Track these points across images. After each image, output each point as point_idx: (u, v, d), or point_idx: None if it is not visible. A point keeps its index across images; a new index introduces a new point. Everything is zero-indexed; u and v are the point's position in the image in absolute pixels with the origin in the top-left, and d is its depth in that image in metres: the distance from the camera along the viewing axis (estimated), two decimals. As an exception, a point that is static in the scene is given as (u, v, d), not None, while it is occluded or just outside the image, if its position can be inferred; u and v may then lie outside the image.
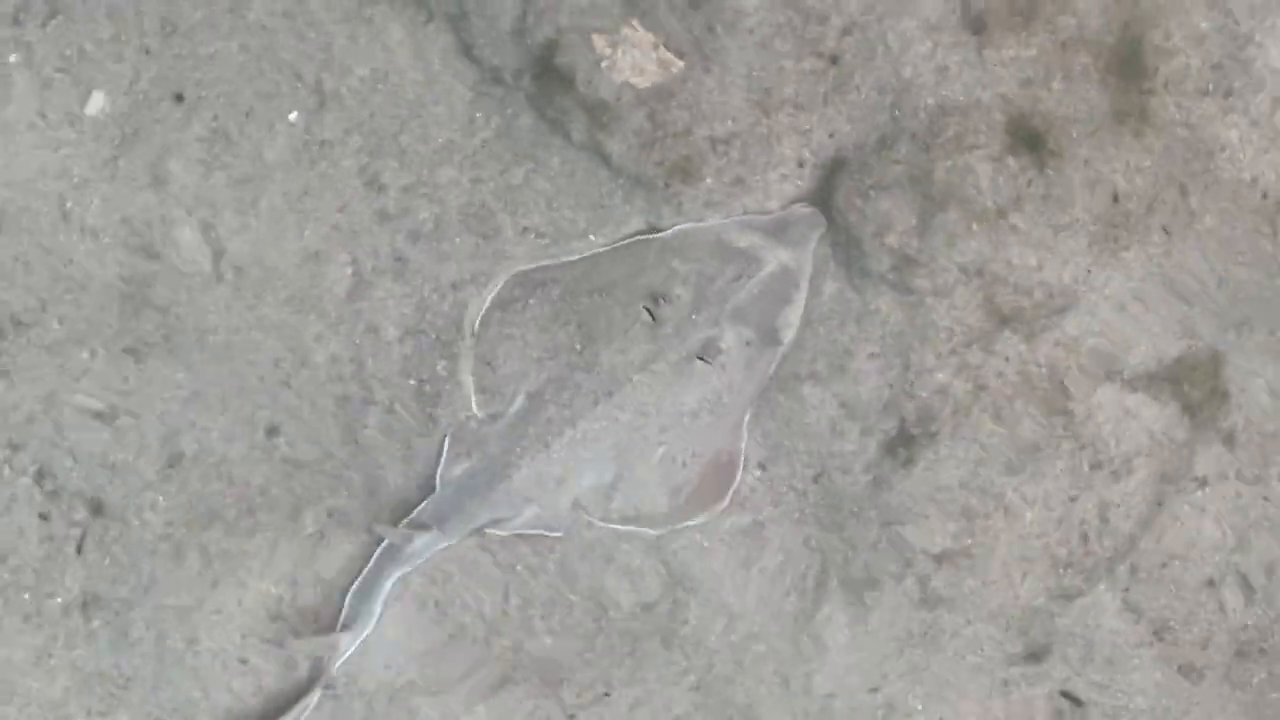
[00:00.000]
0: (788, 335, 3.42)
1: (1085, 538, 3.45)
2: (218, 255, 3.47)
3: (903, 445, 3.44)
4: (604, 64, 3.36)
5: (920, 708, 3.54)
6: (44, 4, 3.46)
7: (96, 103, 3.47)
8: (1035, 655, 3.53)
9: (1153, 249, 3.46)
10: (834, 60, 3.42)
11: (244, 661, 3.46)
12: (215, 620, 3.45)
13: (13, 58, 3.46)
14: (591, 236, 3.49)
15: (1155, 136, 3.43)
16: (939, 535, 3.43)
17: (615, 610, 3.51)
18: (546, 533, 3.49)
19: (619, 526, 3.47)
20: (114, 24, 3.46)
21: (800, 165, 3.44)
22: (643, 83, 3.36)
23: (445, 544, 3.44)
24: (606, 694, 3.50)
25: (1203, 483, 3.52)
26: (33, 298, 3.43)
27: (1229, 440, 3.52)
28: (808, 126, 3.43)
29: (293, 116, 3.48)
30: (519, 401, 3.45)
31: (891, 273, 3.40)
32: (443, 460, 3.48)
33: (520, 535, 3.49)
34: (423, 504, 3.44)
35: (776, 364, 3.44)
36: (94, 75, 3.45)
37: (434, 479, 3.47)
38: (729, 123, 3.40)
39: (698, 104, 3.38)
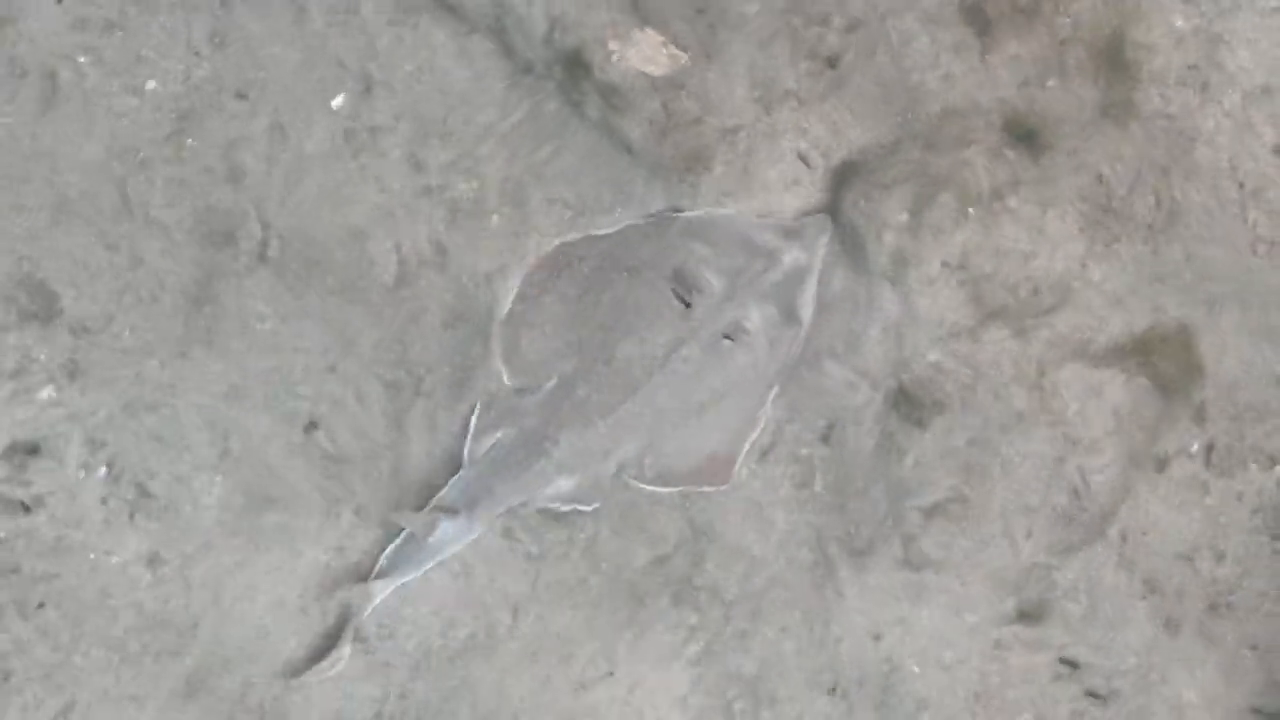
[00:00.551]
0: (806, 316, 3.61)
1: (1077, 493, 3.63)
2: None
3: (908, 405, 3.64)
4: (616, 58, 3.61)
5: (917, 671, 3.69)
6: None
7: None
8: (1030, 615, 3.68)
9: (1139, 242, 3.65)
10: (832, 63, 3.66)
11: (304, 611, 3.56)
12: (273, 574, 3.55)
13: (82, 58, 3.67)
14: (619, 210, 3.67)
15: (1139, 127, 3.63)
16: (940, 489, 3.62)
17: (630, 568, 3.63)
18: (581, 507, 3.56)
19: (656, 488, 3.58)
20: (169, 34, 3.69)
21: (802, 159, 3.68)
22: (655, 71, 3.62)
23: (475, 534, 3.47)
24: (610, 673, 3.62)
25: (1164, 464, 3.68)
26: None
27: (1199, 415, 3.67)
28: (807, 125, 3.66)
29: (336, 102, 3.67)
30: (553, 380, 3.56)
31: (890, 267, 3.64)
32: (470, 434, 3.54)
33: (545, 512, 3.55)
34: (447, 485, 3.47)
35: (800, 344, 3.62)
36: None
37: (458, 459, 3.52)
38: (735, 116, 3.63)
39: (705, 96, 3.62)
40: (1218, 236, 3.65)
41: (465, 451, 3.53)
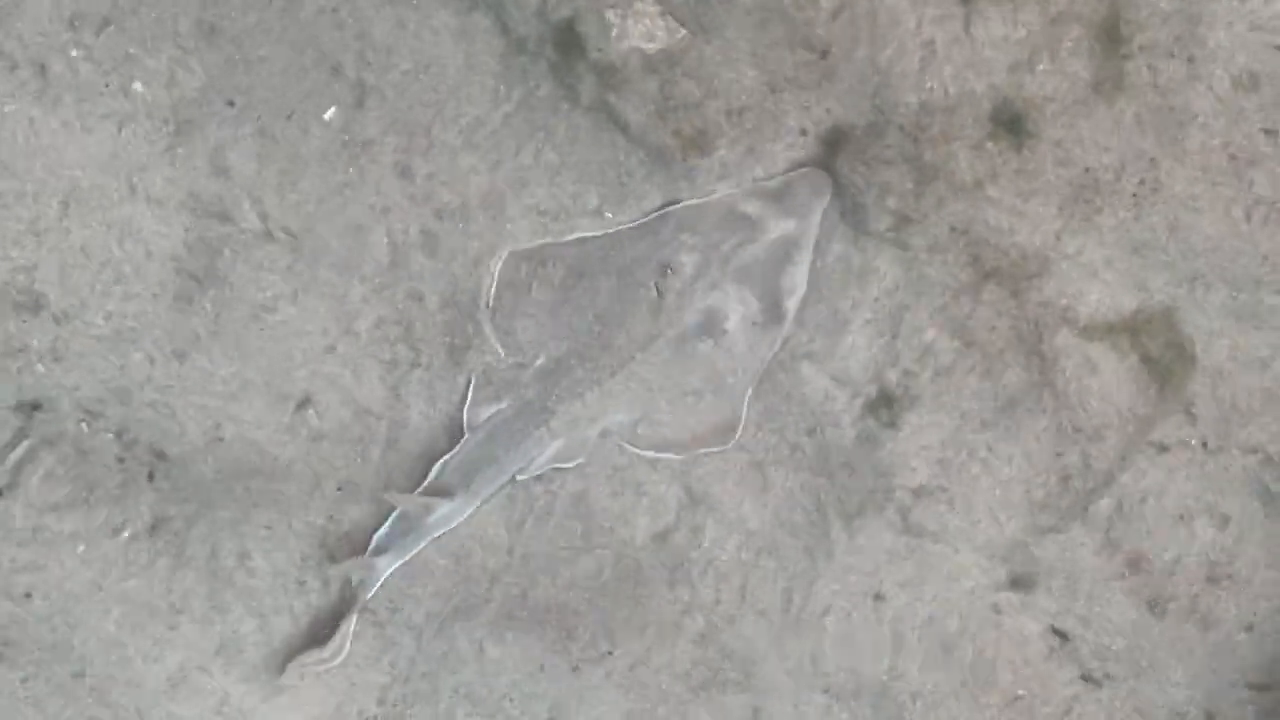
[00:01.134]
0: (792, 304, 3.56)
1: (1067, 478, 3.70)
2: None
3: (886, 406, 3.67)
4: (614, 32, 3.58)
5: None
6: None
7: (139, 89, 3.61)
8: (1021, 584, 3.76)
9: (1123, 212, 3.65)
10: (824, 54, 3.62)
11: (301, 583, 3.67)
12: (266, 536, 3.65)
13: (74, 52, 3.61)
14: (608, 214, 3.64)
15: (1127, 103, 3.62)
16: (922, 475, 3.68)
17: (629, 543, 3.71)
18: (565, 465, 3.62)
19: (644, 452, 3.63)
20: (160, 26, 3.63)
21: (804, 134, 3.63)
22: (652, 48, 3.58)
23: (472, 508, 3.57)
24: (610, 651, 3.72)
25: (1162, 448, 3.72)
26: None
27: (1190, 405, 3.70)
28: (808, 104, 3.62)
29: (328, 115, 3.62)
30: (543, 358, 3.59)
31: (891, 231, 3.62)
32: (468, 404, 3.60)
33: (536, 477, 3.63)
34: (440, 462, 3.56)
35: (778, 347, 3.61)
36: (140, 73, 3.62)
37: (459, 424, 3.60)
38: (737, 95, 3.59)
39: (703, 74, 3.59)
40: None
41: (465, 418, 3.61)
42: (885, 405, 3.67)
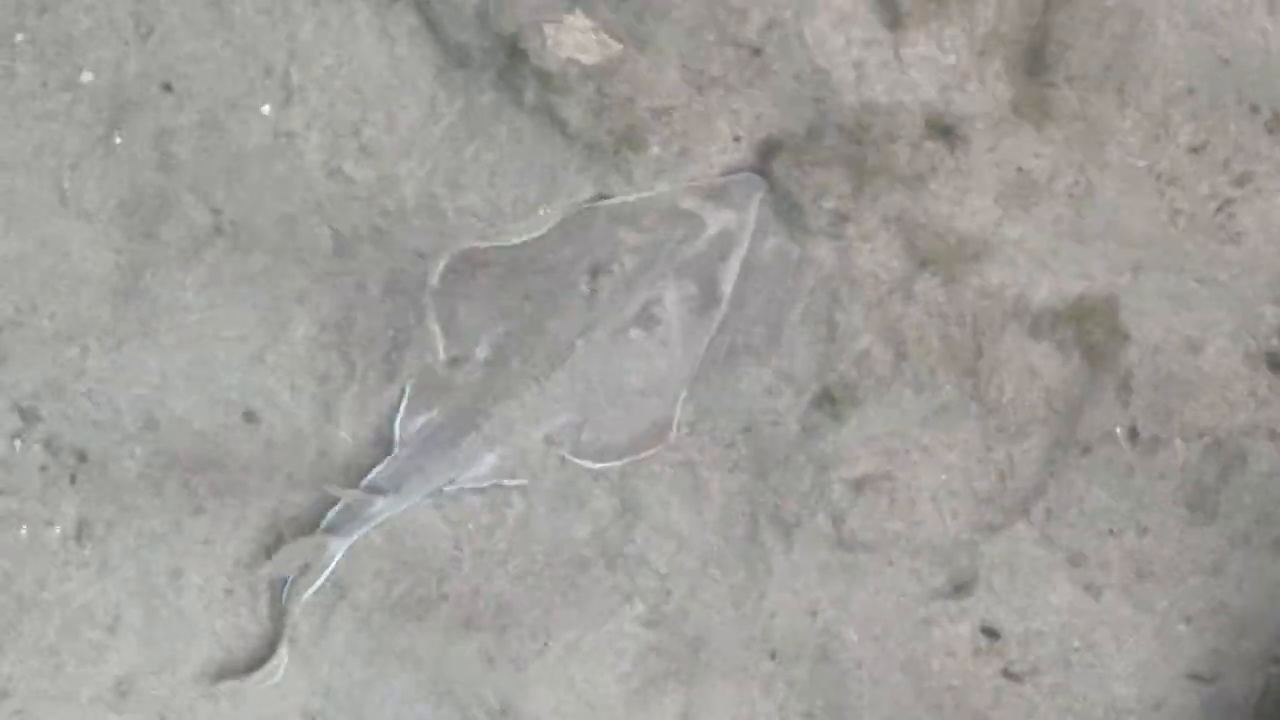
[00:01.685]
0: (725, 292, 3.56)
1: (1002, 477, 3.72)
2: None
3: (829, 403, 3.68)
4: (550, 43, 3.61)
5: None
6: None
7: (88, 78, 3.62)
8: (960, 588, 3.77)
9: (1059, 208, 3.70)
10: (756, 52, 3.65)
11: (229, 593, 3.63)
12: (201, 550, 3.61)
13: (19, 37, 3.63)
14: (542, 210, 3.64)
15: (1056, 128, 3.67)
16: (862, 469, 3.68)
17: (568, 545, 3.68)
18: (507, 482, 3.57)
19: (588, 463, 3.59)
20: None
21: (737, 140, 3.66)
22: (588, 59, 3.63)
23: (404, 506, 3.50)
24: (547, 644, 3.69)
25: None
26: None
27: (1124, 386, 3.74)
28: (737, 107, 3.65)
29: (265, 109, 3.62)
30: (484, 350, 3.56)
31: (829, 227, 3.62)
32: (401, 412, 3.54)
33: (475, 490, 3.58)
34: (379, 465, 3.50)
35: (713, 332, 3.59)
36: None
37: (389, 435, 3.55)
38: (668, 98, 3.62)
39: (638, 80, 3.62)
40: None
41: (396, 430, 3.55)
42: (829, 401, 3.68)
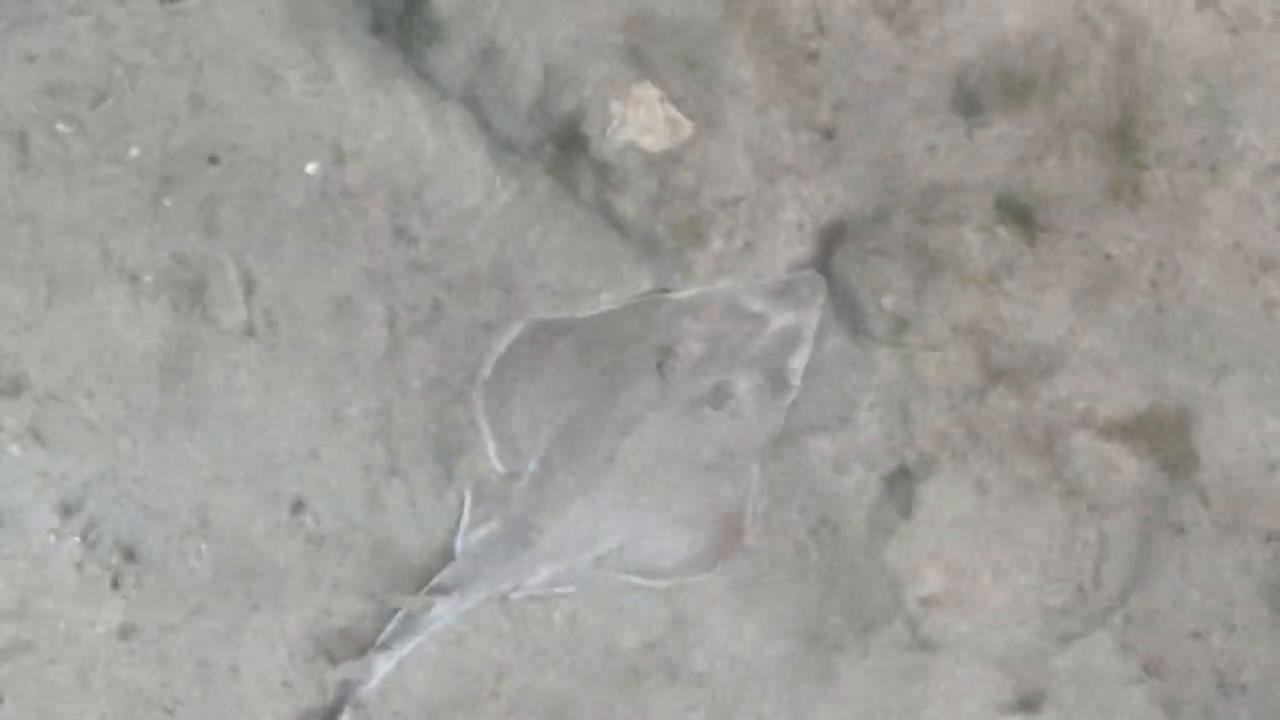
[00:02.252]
0: (795, 380, 3.53)
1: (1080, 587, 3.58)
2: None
3: (902, 485, 3.57)
4: (615, 123, 3.50)
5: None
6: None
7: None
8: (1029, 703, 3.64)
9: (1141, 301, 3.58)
10: (828, 134, 3.56)
11: (287, 685, 3.53)
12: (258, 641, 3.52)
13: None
14: (604, 294, 3.58)
15: (1148, 209, 3.56)
16: (934, 581, 3.56)
17: (620, 652, 3.59)
18: (559, 590, 3.54)
19: (636, 580, 3.55)
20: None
21: (800, 228, 3.57)
22: (652, 143, 3.51)
23: (464, 608, 3.48)
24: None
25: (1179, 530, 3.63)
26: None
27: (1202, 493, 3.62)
28: (807, 194, 3.56)
29: (311, 168, 3.56)
30: (535, 462, 3.52)
31: (889, 332, 3.55)
32: (463, 524, 3.53)
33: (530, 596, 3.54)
34: (441, 573, 3.47)
35: (785, 413, 3.54)
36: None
37: (451, 542, 3.51)
38: (735, 187, 3.53)
39: (704, 166, 3.52)
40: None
41: (457, 544, 3.53)
42: (903, 478, 3.58)
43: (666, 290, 3.56)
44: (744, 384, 3.51)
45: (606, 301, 3.57)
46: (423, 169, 3.58)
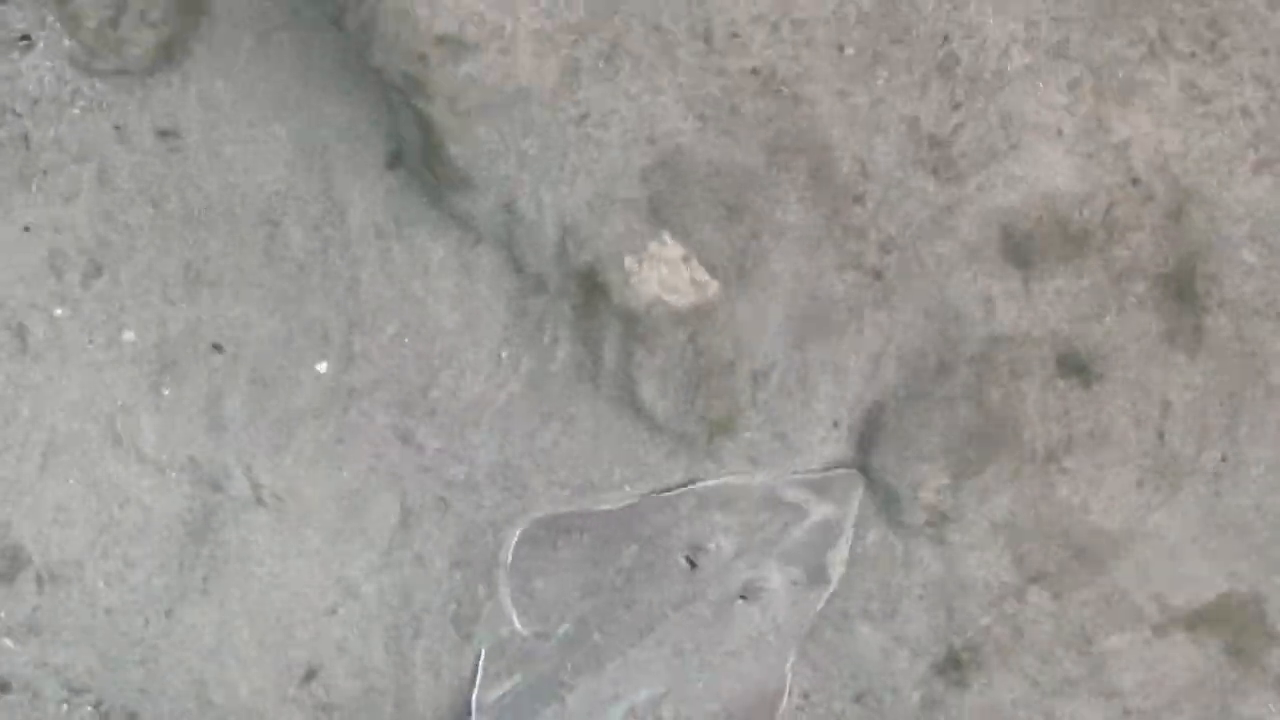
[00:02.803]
0: (835, 574, 3.40)
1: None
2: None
3: (954, 669, 3.43)
4: (633, 279, 3.25)
5: None
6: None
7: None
8: None
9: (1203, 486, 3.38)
10: (878, 275, 3.35)
11: None
12: None
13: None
14: (628, 487, 3.41)
15: (1209, 357, 3.35)
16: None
17: None
18: None
19: None
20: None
21: (836, 426, 3.39)
22: (679, 301, 3.26)
23: None
24: None
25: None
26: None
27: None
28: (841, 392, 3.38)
29: (321, 367, 3.41)
30: (565, 626, 3.40)
31: (928, 528, 3.38)
32: (479, 682, 3.41)
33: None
34: None
35: (822, 604, 3.42)
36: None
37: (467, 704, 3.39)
38: (765, 358, 3.33)
39: (736, 330, 3.31)
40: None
41: (473, 700, 3.39)
42: (954, 667, 3.43)
43: (696, 481, 3.41)
44: (778, 579, 3.39)
45: (629, 495, 3.42)
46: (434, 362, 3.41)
